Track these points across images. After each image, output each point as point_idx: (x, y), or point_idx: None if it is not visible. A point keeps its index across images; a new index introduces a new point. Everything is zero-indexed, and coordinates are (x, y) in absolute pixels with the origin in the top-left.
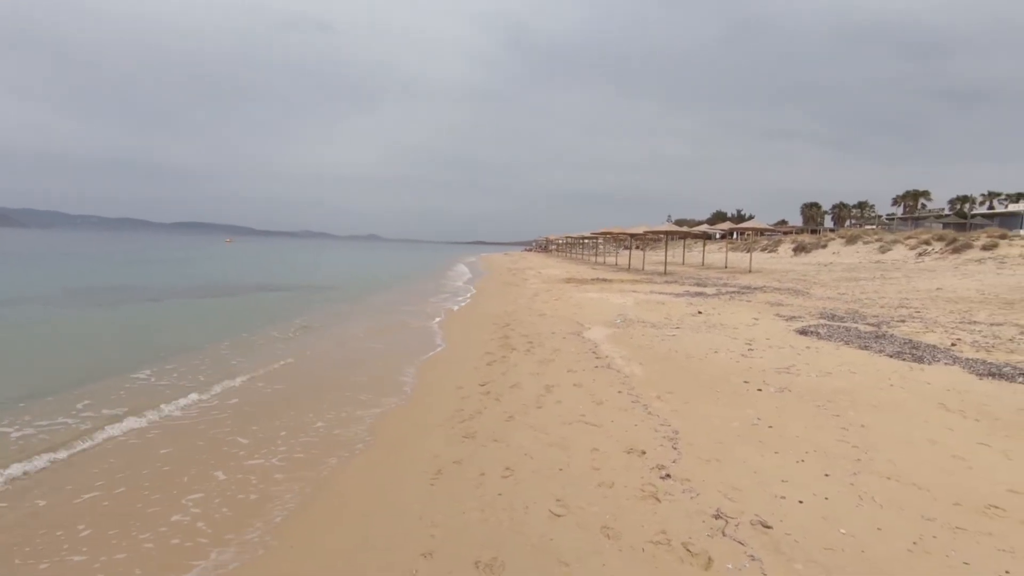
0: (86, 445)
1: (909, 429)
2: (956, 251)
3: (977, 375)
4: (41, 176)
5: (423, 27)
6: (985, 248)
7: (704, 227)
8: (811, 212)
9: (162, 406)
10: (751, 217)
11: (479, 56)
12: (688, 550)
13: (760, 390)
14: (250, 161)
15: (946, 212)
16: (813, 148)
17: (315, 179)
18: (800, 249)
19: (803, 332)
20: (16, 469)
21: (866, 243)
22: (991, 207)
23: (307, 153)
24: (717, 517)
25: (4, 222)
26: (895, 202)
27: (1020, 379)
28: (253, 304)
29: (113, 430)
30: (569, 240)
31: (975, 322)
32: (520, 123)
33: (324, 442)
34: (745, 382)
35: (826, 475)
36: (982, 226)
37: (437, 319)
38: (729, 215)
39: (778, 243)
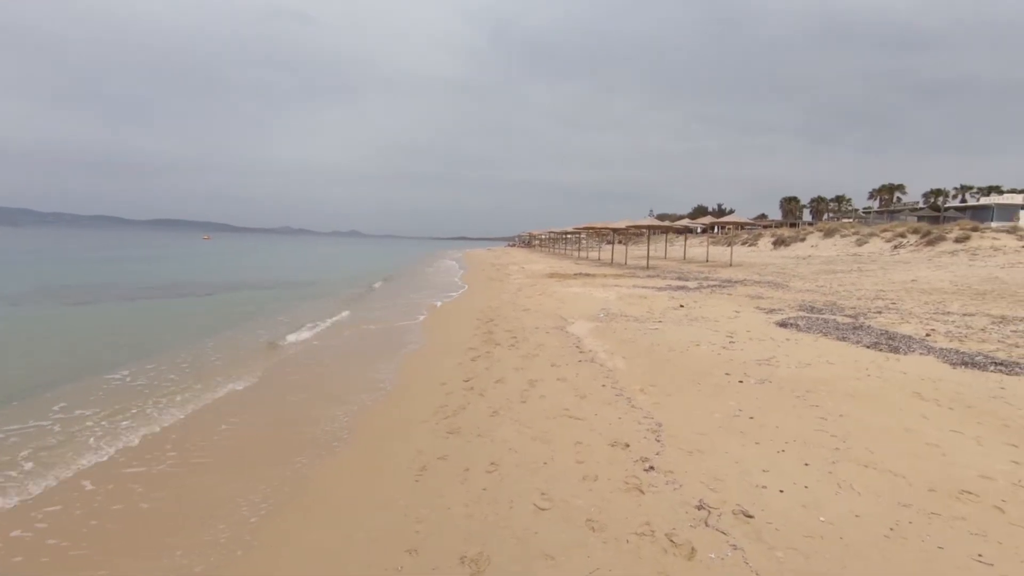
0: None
1: (886, 418)
2: (930, 243)
3: (951, 364)
4: (7, 172)
5: (405, 20)
6: (958, 240)
7: (685, 221)
8: (790, 206)
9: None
10: (732, 211)
11: (462, 49)
12: (672, 541)
13: (741, 382)
14: (228, 157)
15: (920, 205)
16: (792, 141)
17: (295, 175)
18: (780, 243)
19: (783, 324)
20: None
21: (844, 236)
22: (963, 200)
23: (287, 148)
24: (700, 508)
25: None
26: (871, 195)
27: (992, 368)
28: (234, 301)
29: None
30: (552, 235)
31: (949, 312)
32: (503, 117)
33: (300, 439)
34: (727, 374)
35: (806, 464)
36: (955, 219)
37: (420, 315)
38: (710, 209)
39: (758, 237)
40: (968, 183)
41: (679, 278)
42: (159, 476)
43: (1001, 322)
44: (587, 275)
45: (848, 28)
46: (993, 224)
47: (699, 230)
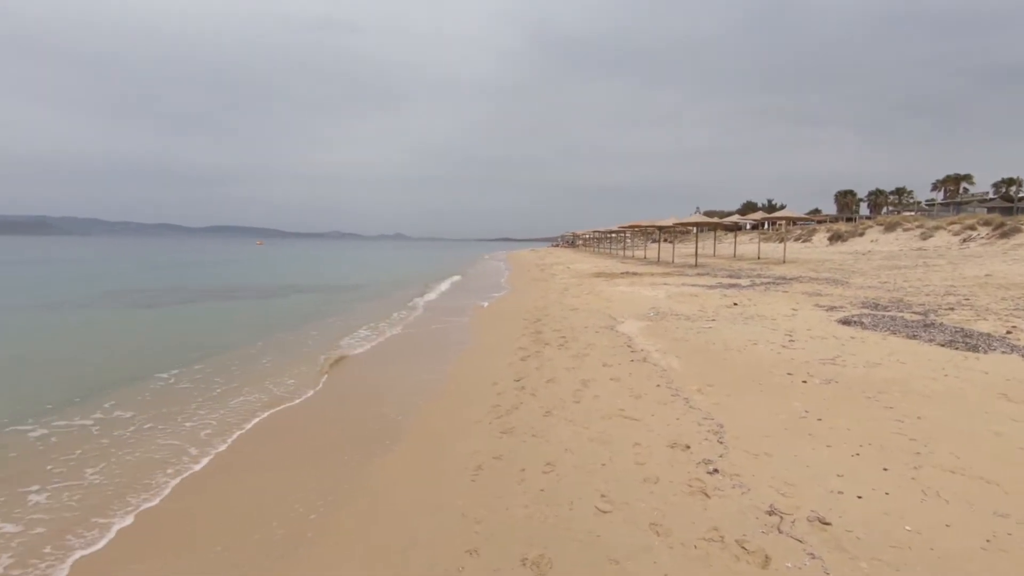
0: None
1: (970, 421)
2: (1004, 236)
3: None
4: (80, 185)
5: (446, 26)
6: None
7: (735, 218)
8: (845, 200)
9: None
10: (783, 206)
11: (502, 52)
12: (743, 548)
13: (805, 382)
14: (280, 165)
15: (991, 196)
16: (845, 133)
17: (344, 180)
18: (836, 238)
19: (845, 322)
20: None
21: (906, 230)
22: None
23: (336, 154)
24: (771, 513)
25: (47, 230)
26: (935, 187)
27: None
28: (291, 305)
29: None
30: (596, 235)
31: None
32: (544, 117)
33: (358, 439)
34: (788, 374)
35: (884, 469)
36: None
37: (468, 315)
38: (760, 205)
39: (812, 232)
40: None
41: (730, 276)
42: (225, 473)
43: None
44: (634, 274)
45: (904, 11)
46: None
47: (749, 226)
